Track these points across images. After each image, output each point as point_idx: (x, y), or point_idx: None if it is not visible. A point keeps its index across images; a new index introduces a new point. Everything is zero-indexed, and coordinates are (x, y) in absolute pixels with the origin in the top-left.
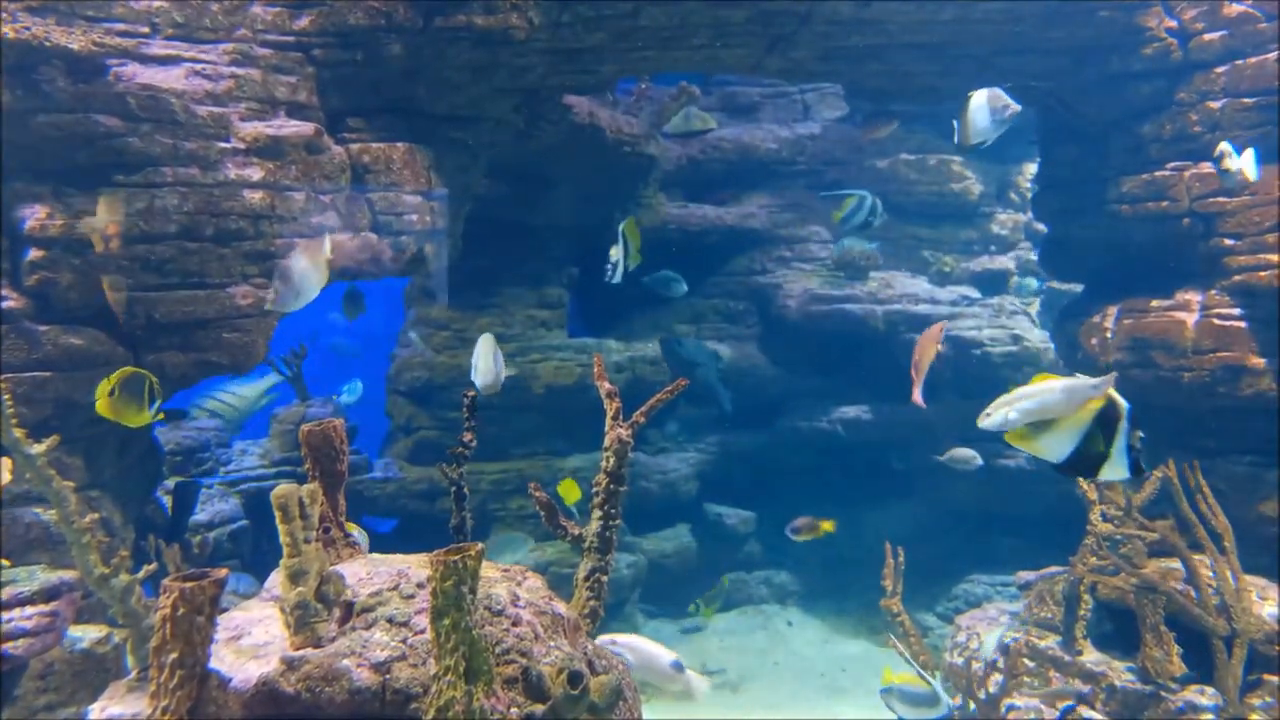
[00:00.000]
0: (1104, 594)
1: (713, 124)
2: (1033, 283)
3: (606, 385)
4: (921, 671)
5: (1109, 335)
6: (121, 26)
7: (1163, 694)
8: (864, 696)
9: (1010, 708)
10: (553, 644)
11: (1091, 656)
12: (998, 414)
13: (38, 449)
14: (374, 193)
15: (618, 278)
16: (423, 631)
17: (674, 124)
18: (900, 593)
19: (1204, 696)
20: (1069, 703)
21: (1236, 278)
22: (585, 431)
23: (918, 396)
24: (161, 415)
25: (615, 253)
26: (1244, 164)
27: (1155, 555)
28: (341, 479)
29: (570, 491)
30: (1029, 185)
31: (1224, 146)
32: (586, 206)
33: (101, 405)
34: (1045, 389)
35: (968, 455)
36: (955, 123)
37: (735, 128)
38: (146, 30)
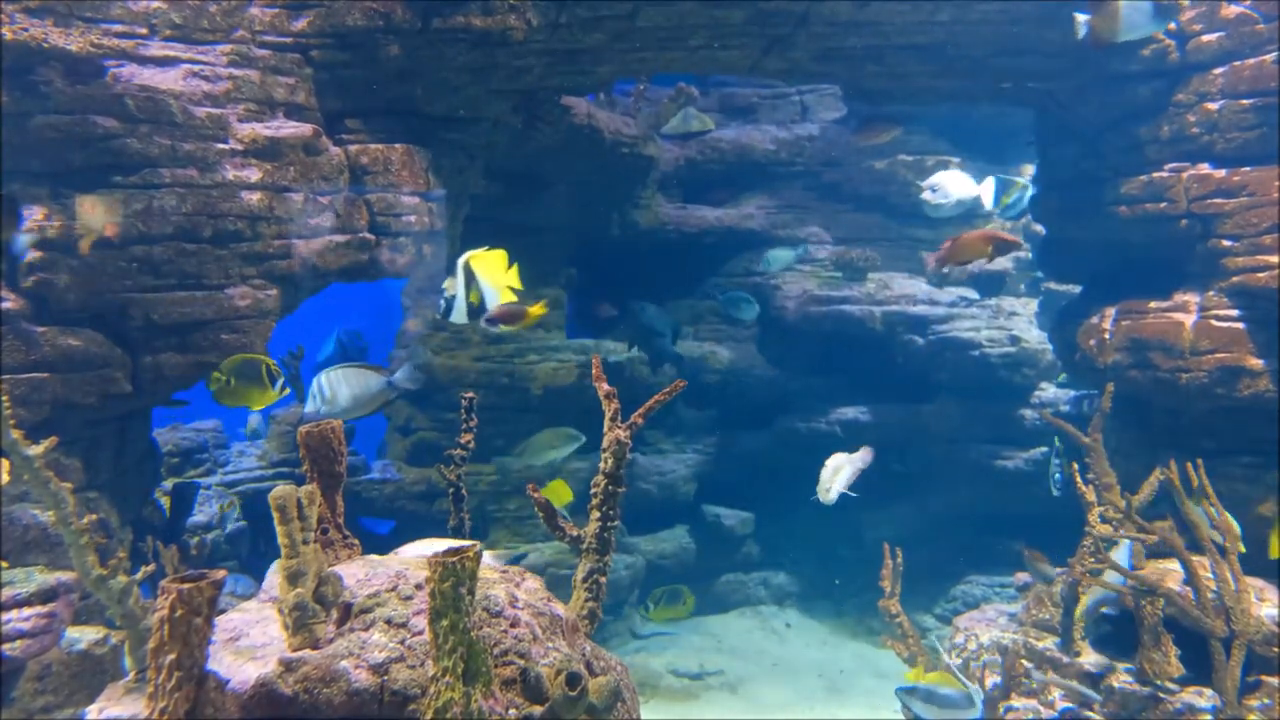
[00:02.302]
0: None
1: (710, 125)
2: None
3: (605, 386)
4: (958, 673)
5: (1107, 336)
6: (120, 28)
7: (1161, 695)
8: (862, 697)
9: (1009, 709)
10: (551, 645)
11: (1090, 658)
12: (834, 490)
13: (35, 450)
14: (372, 194)
15: (458, 318)
16: (421, 633)
17: (672, 125)
18: (898, 594)
19: (1202, 698)
20: (1069, 704)
21: (1235, 279)
22: (583, 432)
23: (932, 261)
24: (286, 391)
25: (450, 287)
26: (982, 191)
27: (1153, 556)
28: (340, 480)
29: (561, 494)
30: None
31: (932, 180)
32: (585, 208)
33: (222, 398)
34: (844, 461)
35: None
36: (1082, 15)
37: (733, 129)
38: (145, 31)
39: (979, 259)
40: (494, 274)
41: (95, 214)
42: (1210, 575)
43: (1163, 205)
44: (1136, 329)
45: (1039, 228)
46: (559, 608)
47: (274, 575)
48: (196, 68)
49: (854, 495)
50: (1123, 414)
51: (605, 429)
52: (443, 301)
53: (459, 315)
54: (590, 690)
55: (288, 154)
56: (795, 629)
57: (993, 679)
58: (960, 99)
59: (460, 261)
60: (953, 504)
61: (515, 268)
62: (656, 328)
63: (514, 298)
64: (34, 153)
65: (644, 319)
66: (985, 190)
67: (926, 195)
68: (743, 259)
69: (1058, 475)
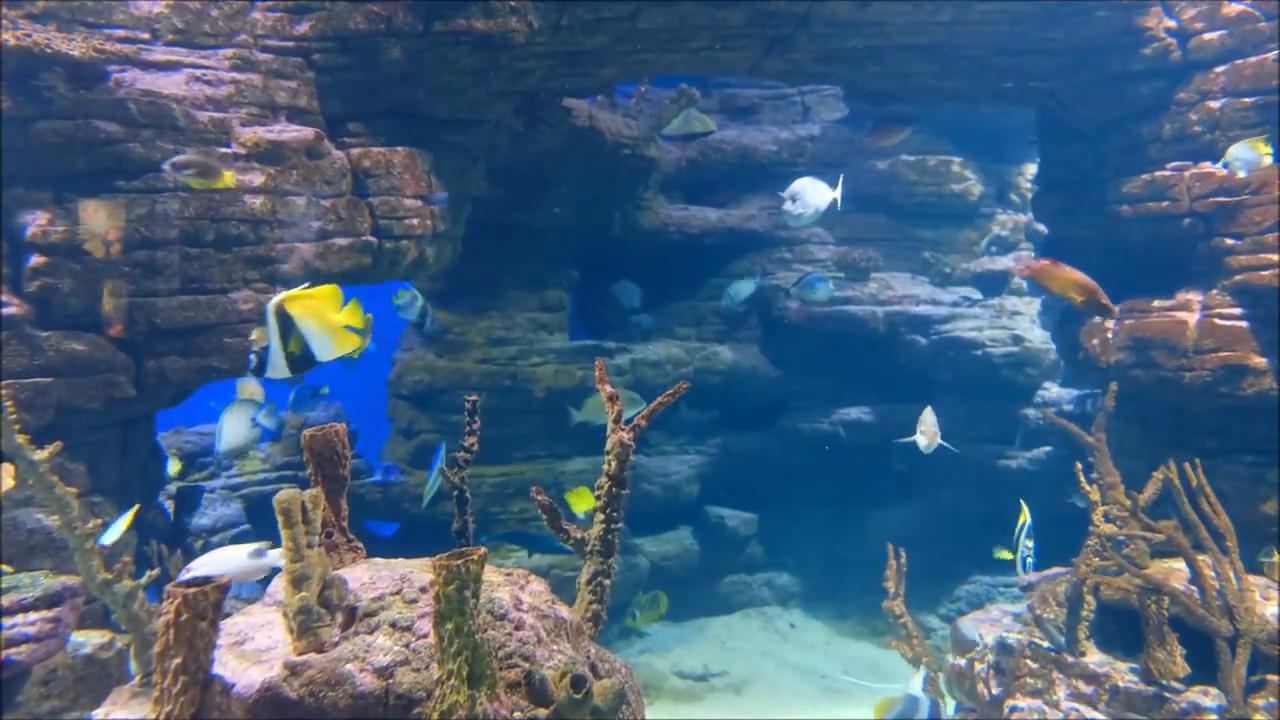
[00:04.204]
0: (1107, 595)
1: (712, 126)
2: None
3: (608, 388)
4: (860, 682)
5: (1110, 335)
6: (122, 33)
7: (1166, 695)
8: (866, 698)
9: (1013, 709)
10: (555, 648)
11: (1094, 657)
12: (933, 428)
13: (40, 455)
14: (374, 197)
15: (276, 372)
16: (426, 636)
17: (673, 126)
18: (903, 594)
19: (1208, 698)
20: (1074, 705)
21: (1237, 277)
22: (586, 434)
23: (1024, 269)
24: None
25: (260, 337)
26: (818, 200)
27: (1157, 556)
28: (344, 484)
29: (587, 500)
30: (1029, 186)
31: (792, 190)
32: (587, 209)
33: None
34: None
35: None
36: None
37: (735, 130)
38: (147, 36)
39: (1065, 298)
40: (320, 316)
41: (99, 219)
42: (1213, 574)
43: (1165, 204)
44: (1139, 328)
45: (1041, 227)
46: (563, 610)
47: (279, 579)
48: (199, 72)
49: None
50: (1126, 413)
51: (608, 431)
52: (252, 356)
53: (277, 369)
54: (595, 692)
55: (290, 158)
56: (799, 630)
57: (998, 679)
58: (962, 99)
59: (270, 306)
60: (956, 504)
61: (354, 304)
62: (634, 304)
63: (355, 340)
64: (37, 158)
65: (623, 301)
66: (837, 193)
67: (788, 206)
68: (745, 260)
69: (1031, 560)
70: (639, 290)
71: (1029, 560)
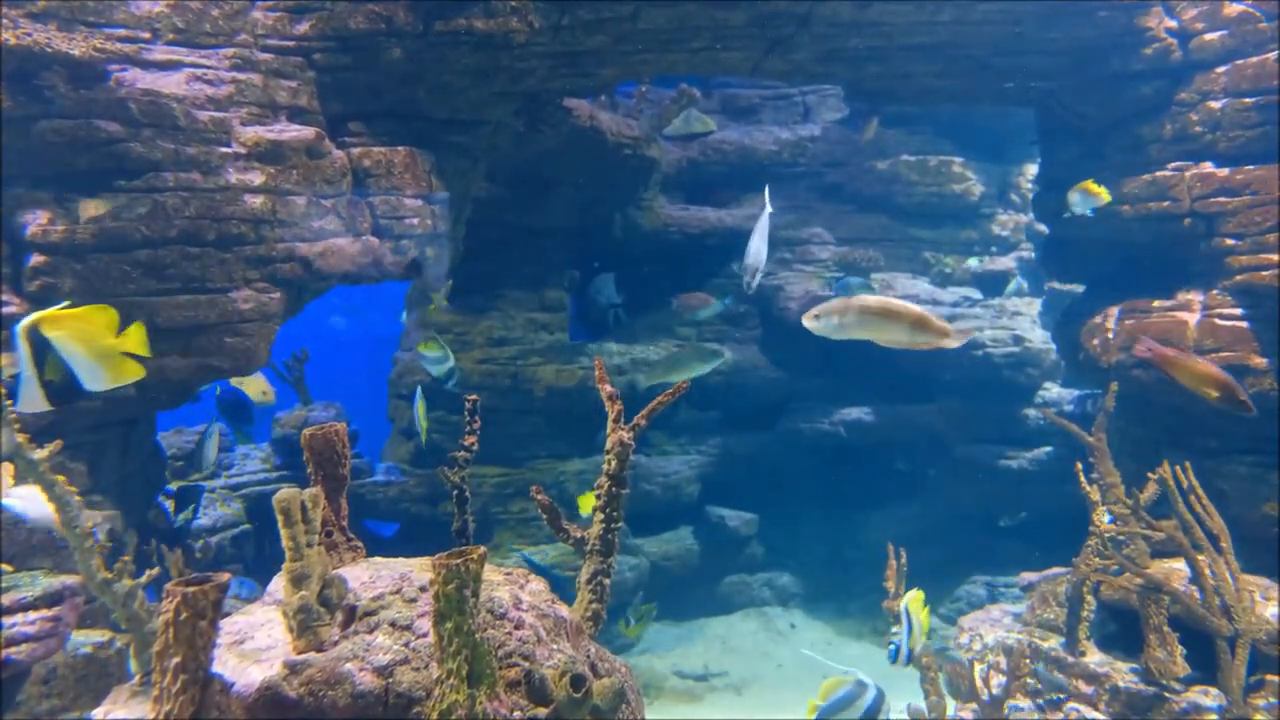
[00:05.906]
0: (1107, 595)
1: (713, 126)
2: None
3: (608, 388)
4: (831, 663)
5: (1110, 336)
6: (123, 32)
7: (1166, 695)
8: None
9: (1014, 709)
10: (555, 647)
11: (1095, 657)
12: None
13: (40, 454)
14: (375, 197)
15: (30, 405)
16: (425, 635)
17: (674, 126)
18: (903, 594)
19: (1208, 697)
20: (1075, 706)
21: (1238, 278)
22: (587, 435)
23: (1144, 349)
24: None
25: (8, 363)
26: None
27: (1157, 556)
28: (344, 483)
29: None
30: (1030, 186)
31: (751, 260)
32: (587, 209)
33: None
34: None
35: None
36: None
37: (735, 130)
38: (147, 36)
39: (1197, 391)
40: (87, 340)
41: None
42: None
43: (1166, 204)
44: (1140, 328)
45: (1042, 227)
46: (563, 609)
47: (279, 578)
48: (199, 71)
49: None
50: (1127, 413)
51: (609, 431)
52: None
53: (31, 401)
54: (595, 692)
55: (290, 157)
56: (800, 630)
57: (998, 679)
58: (963, 99)
59: (20, 328)
60: (957, 504)
61: (137, 328)
62: (613, 299)
63: (136, 368)
64: (38, 157)
65: (600, 297)
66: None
67: (753, 283)
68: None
69: (893, 645)
70: (613, 278)
71: (893, 646)
